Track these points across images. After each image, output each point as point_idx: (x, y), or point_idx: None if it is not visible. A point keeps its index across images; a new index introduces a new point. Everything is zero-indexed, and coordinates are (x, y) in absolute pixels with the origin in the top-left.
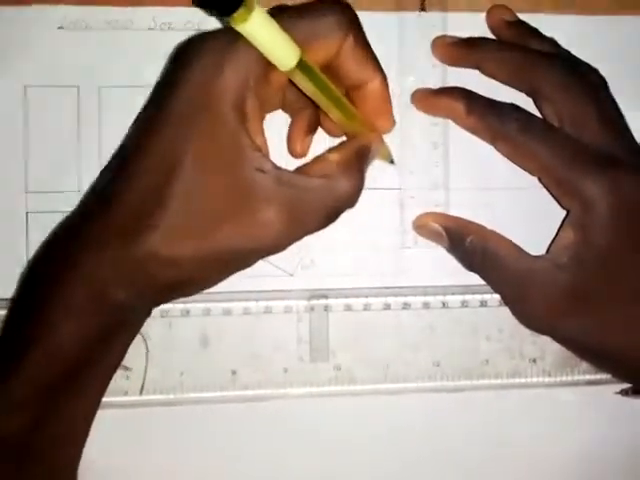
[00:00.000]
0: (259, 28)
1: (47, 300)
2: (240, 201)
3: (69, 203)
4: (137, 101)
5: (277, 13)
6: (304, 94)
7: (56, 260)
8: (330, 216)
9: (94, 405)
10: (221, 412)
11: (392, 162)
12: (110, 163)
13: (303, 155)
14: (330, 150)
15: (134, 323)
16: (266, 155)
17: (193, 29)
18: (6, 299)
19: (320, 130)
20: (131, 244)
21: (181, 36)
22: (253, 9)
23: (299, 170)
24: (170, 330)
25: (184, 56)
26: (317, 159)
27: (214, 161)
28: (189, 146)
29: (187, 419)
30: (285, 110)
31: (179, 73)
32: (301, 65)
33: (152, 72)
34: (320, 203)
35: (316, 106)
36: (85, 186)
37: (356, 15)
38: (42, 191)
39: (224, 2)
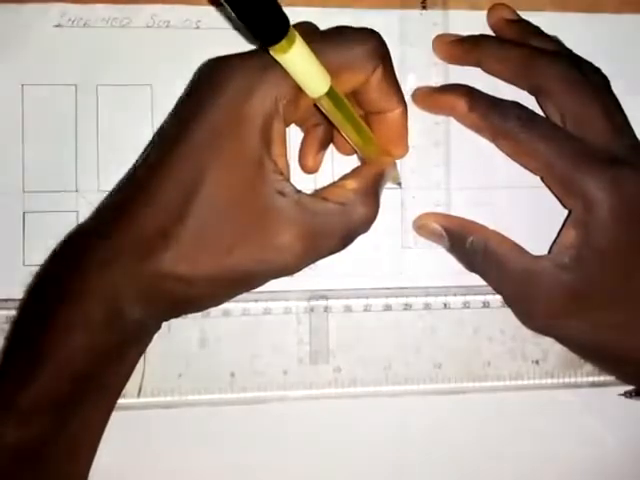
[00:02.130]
0: (297, 58)
1: (60, 314)
2: (259, 223)
3: (67, 203)
4: (135, 99)
5: (311, 36)
6: (323, 114)
7: (70, 273)
8: (345, 241)
9: (106, 416)
10: (220, 414)
11: (399, 184)
12: (129, 176)
13: (315, 170)
14: (346, 177)
15: (146, 337)
16: (287, 178)
17: (191, 27)
18: (3, 300)
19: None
20: (148, 261)
21: (180, 34)
22: (294, 41)
23: (317, 195)
24: (169, 331)
25: (214, 78)
26: (334, 185)
27: (236, 183)
28: (212, 167)
29: (185, 421)
30: (298, 124)
31: (209, 95)
32: (330, 93)
33: (150, 70)
34: (337, 228)
35: (332, 124)
36: (83, 186)
37: (387, 47)
38: (39, 191)
39: (268, 32)
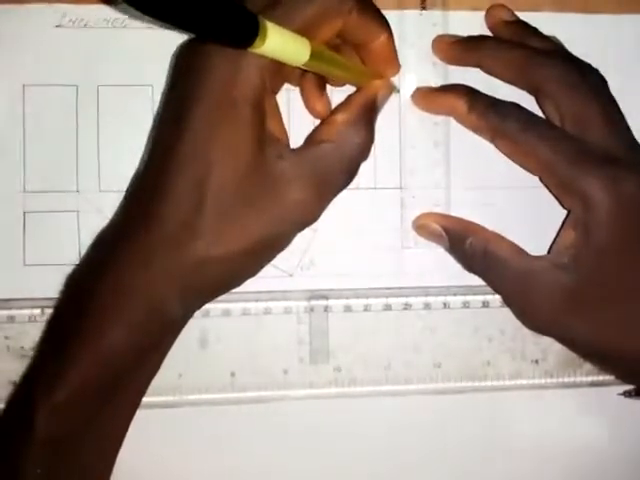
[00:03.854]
0: (273, 45)
1: (96, 315)
2: (269, 190)
3: (67, 203)
4: (136, 100)
5: (276, 3)
6: None
7: (104, 278)
8: (350, 173)
9: (132, 411)
10: (220, 414)
11: (398, 91)
12: (140, 179)
13: (326, 113)
14: (337, 109)
15: (181, 327)
16: (285, 141)
17: None
18: (4, 300)
19: None
20: (180, 253)
21: (180, 35)
22: (267, 33)
23: (311, 139)
24: None
25: (196, 66)
26: (325, 123)
27: (240, 163)
28: (215, 156)
29: (186, 421)
30: (289, 82)
31: (196, 86)
32: (312, 55)
33: (151, 71)
34: (337, 165)
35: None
36: (83, 185)
37: None
38: (40, 191)
39: (239, 37)
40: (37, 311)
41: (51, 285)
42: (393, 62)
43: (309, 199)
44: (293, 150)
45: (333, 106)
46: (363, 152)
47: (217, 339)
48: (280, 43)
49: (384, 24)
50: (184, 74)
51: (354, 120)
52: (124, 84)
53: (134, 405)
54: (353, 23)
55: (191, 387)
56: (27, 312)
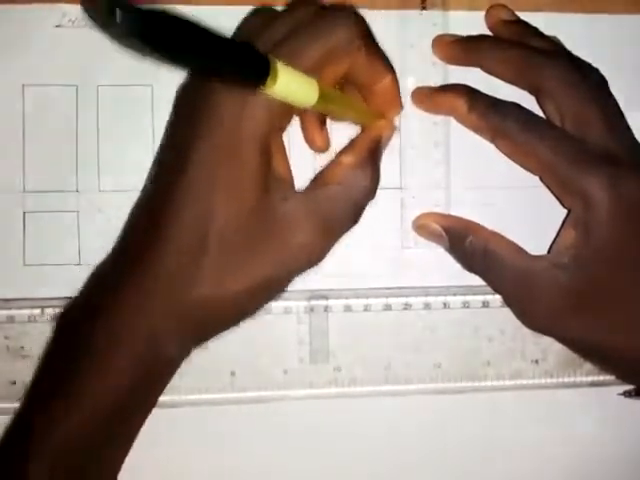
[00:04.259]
0: (283, 86)
1: (95, 355)
2: (273, 232)
3: (67, 203)
4: (136, 100)
5: (286, 42)
6: None
7: (104, 317)
8: (356, 216)
9: (131, 442)
10: (220, 414)
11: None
12: (141, 216)
13: (327, 147)
14: (343, 151)
15: (179, 365)
16: (289, 181)
17: None
18: (4, 299)
19: None
20: (181, 295)
21: None
22: (277, 73)
23: (317, 181)
24: None
25: (200, 105)
26: (332, 165)
27: (244, 204)
28: (219, 197)
29: (185, 421)
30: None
31: (200, 124)
32: (320, 96)
33: (151, 71)
34: (343, 208)
35: None
36: (83, 186)
37: (364, 20)
38: (40, 191)
39: (250, 78)
40: (37, 311)
41: (51, 285)
42: (397, 103)
43: (314, 243)
44: (298, 192)
45: (332, 138)
46: (369, 194)
47: (217, 339)
48: (290, 84)
49: (389, 66)
50: (189, 110)
51: (360, 162)
52: (124, 84)
53: (130, 441)
54: (360, 64)
55: (191, 387)
56: (27, 312)
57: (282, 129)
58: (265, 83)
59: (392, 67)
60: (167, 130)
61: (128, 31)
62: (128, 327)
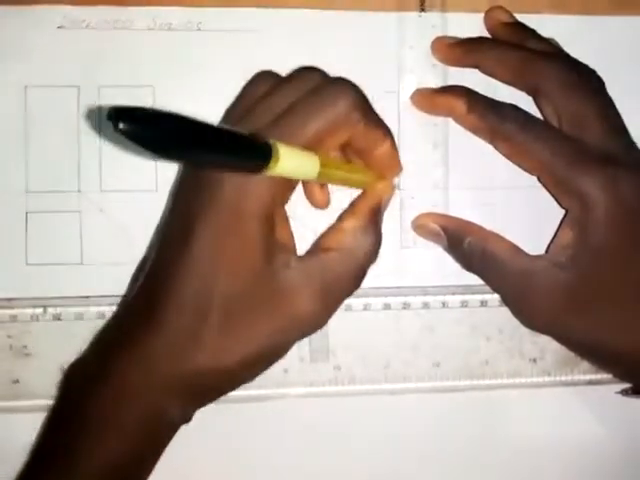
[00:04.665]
0: (285, 166)
1: (98, 419)
2: (275, 300)
3: (69, 203)
4: (137, 100)
5: (289, 110)
6: None
7: (106, 382)
8: (359, 280)
9: None
10: (220, 413)
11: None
12: (146, 284)
13: (327, 204)
14: (344, 215)
15: (178, 428)
16: (292, 248)
17: (193, 29)
18: (6, 299)
19: None
20: (183, 365)
21: (181, 36)
22: (279, 155)
23: (318, 246)
24: None
25: (204, 181)
26: (333, 230)
27: (246, 274)
28: (222, 268)
29: None
30: None
31: (204, 198)
32: (321, 169)
33: (152, 72)
34: (346, 273)
35: None
36: (85, 186)
37: (361, 92)
38: (42, 191)
39: (252, 164)
40: (39, 310)
41: (53, 284)
42: (396, 166)
43: (316, 309)
44: (300, 258)
45: (333, 191)
46: (372, 257)
47: None
48: (292, 163)
49: (388, 132)
50: (193, 185)
51: (362, 226)
52: (125, 85)
53: None
54: (359, 133)
55: None
56: (29, 311)
57: (285, 202)
58: (267, 166)
59: (390, 132)
60: (171, 201)
61: (132, 139)
62: (129, 393)
